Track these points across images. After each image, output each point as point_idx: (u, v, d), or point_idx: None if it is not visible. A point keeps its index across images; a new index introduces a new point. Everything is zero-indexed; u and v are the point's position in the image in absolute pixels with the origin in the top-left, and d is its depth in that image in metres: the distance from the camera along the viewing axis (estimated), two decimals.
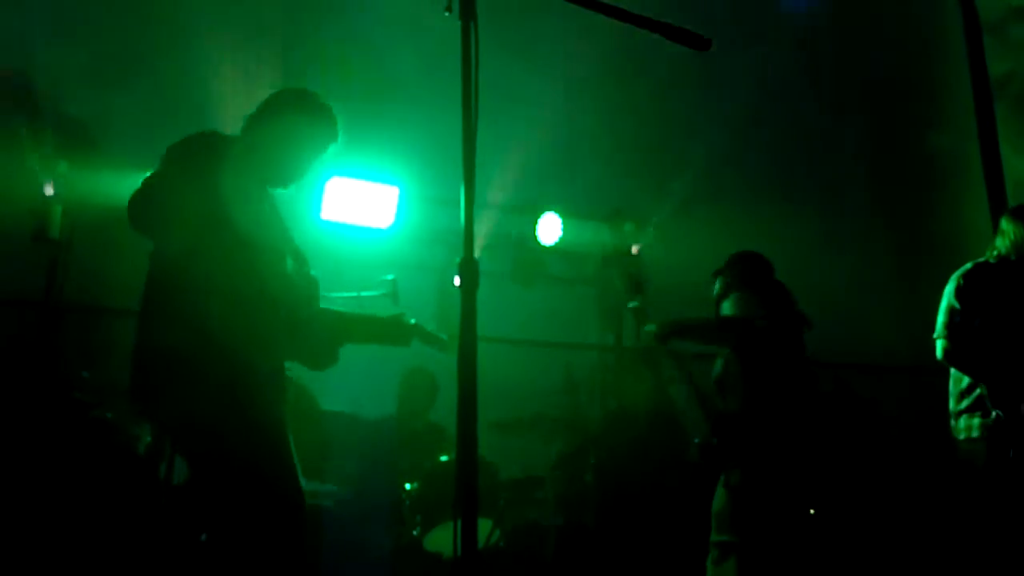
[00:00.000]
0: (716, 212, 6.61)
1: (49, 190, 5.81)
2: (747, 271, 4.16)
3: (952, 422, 4.27)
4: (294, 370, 3.12)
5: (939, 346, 4.25)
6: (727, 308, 4.07)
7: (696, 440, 4.04)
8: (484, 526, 5.07)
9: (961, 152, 6.53)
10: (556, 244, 7.06)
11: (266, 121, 3.09)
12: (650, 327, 4.03)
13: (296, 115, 3.09)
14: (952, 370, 4.30)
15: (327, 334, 3.10)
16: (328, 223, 6.19)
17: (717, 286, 4.20)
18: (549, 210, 7.02)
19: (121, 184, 6.10)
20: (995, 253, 4.34)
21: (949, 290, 4.29)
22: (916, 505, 6.13)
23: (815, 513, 3.84)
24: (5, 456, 4.71)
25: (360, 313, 3.24)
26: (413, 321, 3.26)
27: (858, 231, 7.22)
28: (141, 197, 2.95)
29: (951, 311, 4.24)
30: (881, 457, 6.39)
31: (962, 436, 4.19)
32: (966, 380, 4.23)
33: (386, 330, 3.20)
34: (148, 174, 3.01)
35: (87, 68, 5.89)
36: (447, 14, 2.34)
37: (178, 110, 6.00)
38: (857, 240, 7.17)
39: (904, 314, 6.69)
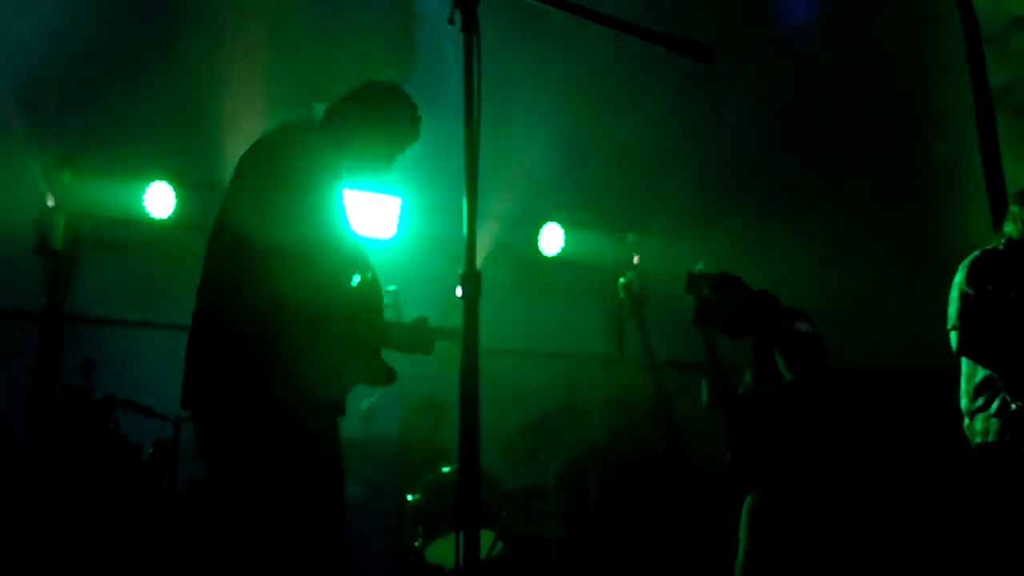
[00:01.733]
0: (718, 224, 6.61)
1: (51, 201, 5.83)
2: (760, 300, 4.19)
3: (966, 422, 4.02)
4: None
5: (954, 337, 4.01)
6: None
7: (728, 456, 4.03)
8: (486, 538, 5.05)
9: (962, 162, 6.53)
10: (558, 255, 7.07)
11: (353, 115, 2.95)
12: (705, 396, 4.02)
13: (391, 113, 2.97)
14: (964, 366, 4.07)
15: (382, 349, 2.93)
16: None
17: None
18: (551, 221, 7.04)
19: (123, 195, 6.14)
20: (1003, 240, 4.14)
21: (959, 279, 4.09)
22: (937, 514, 6.11)
23: (839, 523, 3.84)
24: (7, 465, 4.71)
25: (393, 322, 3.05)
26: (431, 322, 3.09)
27: (859, 241, 7.22)
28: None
29: (964, 298, 4.01)
30: (897, 465, 6.38)
31: (978, 440, 3.93)
32: (980, 374, 3.97)
33: (411, 339, 3.01)
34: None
35: (90, 80, 5.90)
36: (450, 26, 2.35)
37: (181, 121, 6.02)
38: (859, 250, 7.16)
39: (904, 322, 6.68)
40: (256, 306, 2.55)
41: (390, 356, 2.97)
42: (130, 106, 5.86)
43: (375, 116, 2.94)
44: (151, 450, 5.04)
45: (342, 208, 2.73)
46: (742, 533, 3.93)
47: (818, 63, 7.11)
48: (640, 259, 7.27)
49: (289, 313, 2.56)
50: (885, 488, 5.87)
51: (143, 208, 6.04)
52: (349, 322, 2.73)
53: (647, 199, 7.27)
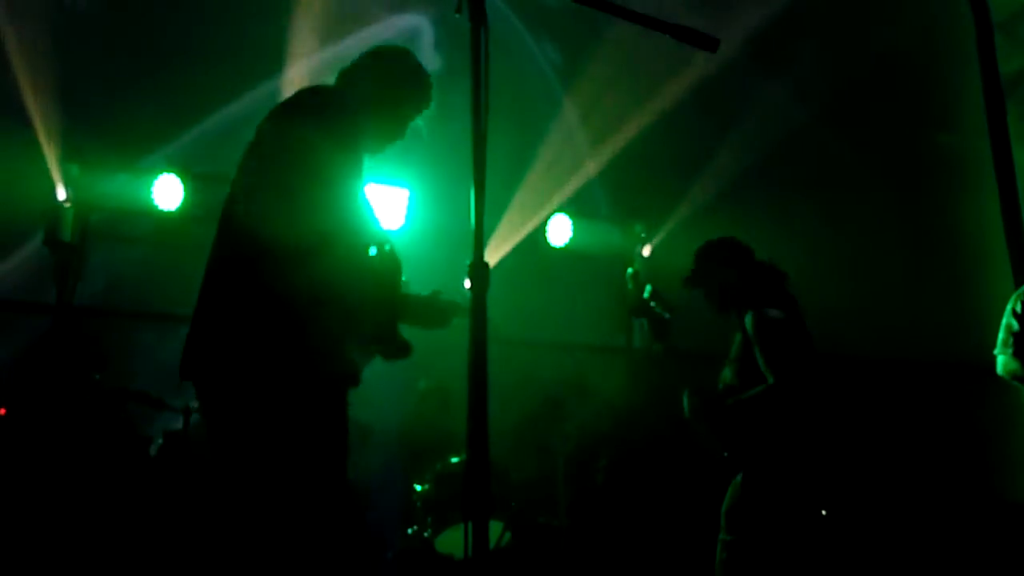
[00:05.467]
0: (727, 214, 6.60)
1: (61, 194, 5.84)
2: (744, 266, 4.07)
3: None
4: None
5: (998, 362, 4.28)
6: (755, 328, 3.89)
7: (725, 454, 3.97)
8: (495, 528, 5.07)
9: (972, 151, 6.49)
10: (566, 245, 7.06)
11: (367, 83, 2.92)
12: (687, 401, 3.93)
13: (397, 78, 2.96)
14: None
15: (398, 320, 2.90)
16: None
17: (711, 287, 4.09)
18: (559, 212, 7.02)
19: (131, 187, 6.16)
20: None
21: (1008, 310, 4.32)
22: (933, 503, 6.10)
23: (825, 514, 3.82)
24: (18, 457, 4.73)
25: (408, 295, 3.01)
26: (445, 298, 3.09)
27: (870, 231, 7.19)
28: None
29: (1008, 329, 4.27)
30: (894, 454, 6.36)
31: None
32: None
33: (427, 312, 3.00)
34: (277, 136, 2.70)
35: (99, 72, 5.91)
36: (457, 16, 2.34)
37: (189, 113, 6.02)
38: (869, 240, 7.14)
39: (914, 310, 6.67)
40: (271, 288, 2.52)
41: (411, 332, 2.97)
42: (138, 99, 5.87)
43: (389, 86, 2.92)
44: (161, 441, 5.06)
45: (359, 189, 2.69)
46: (722, 522, 3.91)
47: (826, 52, 7.08)
48: (649, 250, 7.25)
49: (304, 297, 2.53)
50: (873, 481, 5.86)
51: (152, 200, 6.06)
52: (362, 304, 2.70)
53: (656, 190, 7.26)
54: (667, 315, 4.00)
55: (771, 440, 3.80)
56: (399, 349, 2.86)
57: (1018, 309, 4.27)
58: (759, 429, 3.82)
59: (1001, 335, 4.29)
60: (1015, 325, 4.25)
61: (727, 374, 4.02)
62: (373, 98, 2.89)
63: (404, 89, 2.96)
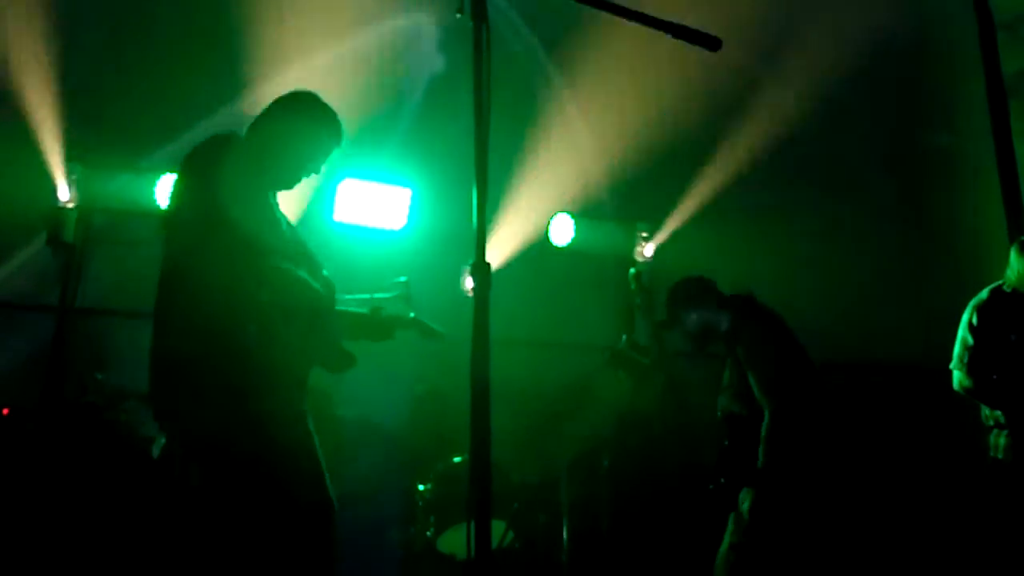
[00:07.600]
0: (728, 214, 6.60)
1: (63, 195, 5.85)
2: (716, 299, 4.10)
3: (987, 437, 4.22)
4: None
5: (954, 377, 4.22)
6: (746, 348, 3.91)
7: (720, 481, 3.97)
8: (498, 528, 5.06)
9: (975, 150, 6.49)
10: (568, 245, 7.05)
11: (267, 124, 3.10)
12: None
13: (296, 116, 3.11)
14: None
15: (340, 336, 3.09)
16: (341, 225, 6.21)
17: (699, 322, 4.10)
18: (562, 212, 7.01)
19: (134, 188, 6.15)
20: (1007, 284, 4.28)
21: (964, 322, 4.24)
22: (932, 511, 6.10)
23: (831, 521, 3.83)
24: (21, 458, 4.73)
25: (348, 311, 3.22)
26: (412, 315, 3.29)
27: (871, 231, 7.19)
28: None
29: (964, 344, 4.18)
30: (896, 460, 6.36)
31: (990, 454, 4.15)
32: None
33: (367, 327, 3.21)
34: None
35: (101, 74, 5.92)
36: (459, 16, 2.34)
37: (193, 114, 6.03)
38: (870, 240, 7.13)
39: (917, 312, 6.66)
40: (201, 332, 2.75)
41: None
42: (141, 99, 5.87)
43: (286, 129, 3.08)
44: (163, 441, 5.06)
45: (265, 223, 2.91)
46: (730, 527, 3.91)
47: (828, 50, 7.07)
48: (651, 250, 7.24)
49: (235, 306, 2.73)
50: (880, 486, 5.86)
51: (155, 200, 6.06)
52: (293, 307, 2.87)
53: (659, 190, 7.25)
54: (645, 360, 4.05)
55: (783, 456, 3.79)
56: (346, 362, 3.06)
57: (974, 321, 4.15)
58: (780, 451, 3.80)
59: (957, 350, 4.19)
60: (970, 339, 4.14)
61: (723, 401, 4.03)
62: (274, 140, 3.06)
63: (306, 130, 3.12)
